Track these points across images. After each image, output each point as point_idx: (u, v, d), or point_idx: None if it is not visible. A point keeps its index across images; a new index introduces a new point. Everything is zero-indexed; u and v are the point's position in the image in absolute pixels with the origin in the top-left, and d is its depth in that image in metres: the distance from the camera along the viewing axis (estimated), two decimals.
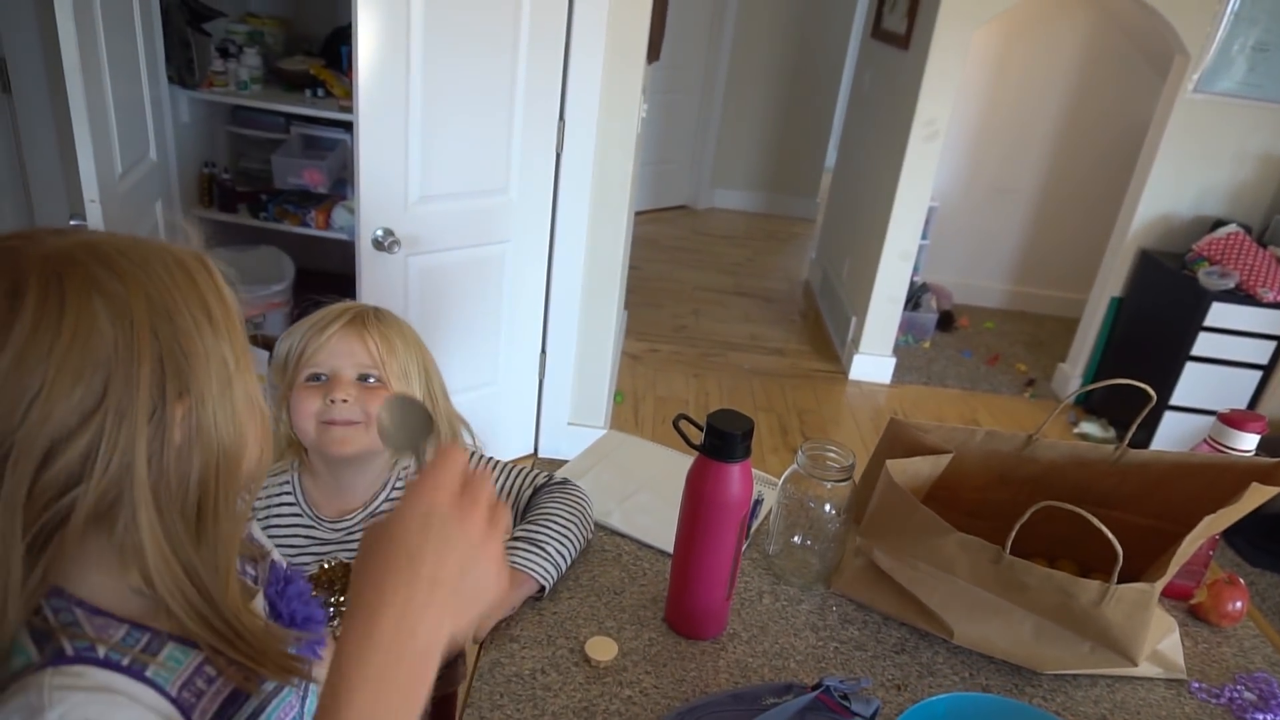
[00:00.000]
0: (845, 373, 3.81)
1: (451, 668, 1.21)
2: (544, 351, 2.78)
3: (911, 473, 0.97)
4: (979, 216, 4.63)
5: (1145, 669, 1.01)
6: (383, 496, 1.13)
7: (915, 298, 4.22)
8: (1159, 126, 3.40)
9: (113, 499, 0.53)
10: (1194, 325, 3.19)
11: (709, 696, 0.91)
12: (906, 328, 4.12)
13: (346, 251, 2.41)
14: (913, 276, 3.99)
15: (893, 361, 3.78)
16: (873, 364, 3.76)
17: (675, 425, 0.95)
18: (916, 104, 3.34)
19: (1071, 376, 3.82)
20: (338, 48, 3.12)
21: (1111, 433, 3.52)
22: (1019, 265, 4.74)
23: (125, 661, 0.56)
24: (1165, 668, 1.02)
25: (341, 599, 1.04)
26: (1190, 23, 3.16)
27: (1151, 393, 1.00)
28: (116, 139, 2.21)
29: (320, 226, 3.03)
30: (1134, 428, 1.04)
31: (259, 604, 0.71)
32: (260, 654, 0.61)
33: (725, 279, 4.86)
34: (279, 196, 3.06)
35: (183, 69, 2.78)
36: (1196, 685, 1.03)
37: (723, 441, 0.90)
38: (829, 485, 1.05)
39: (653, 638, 1.00)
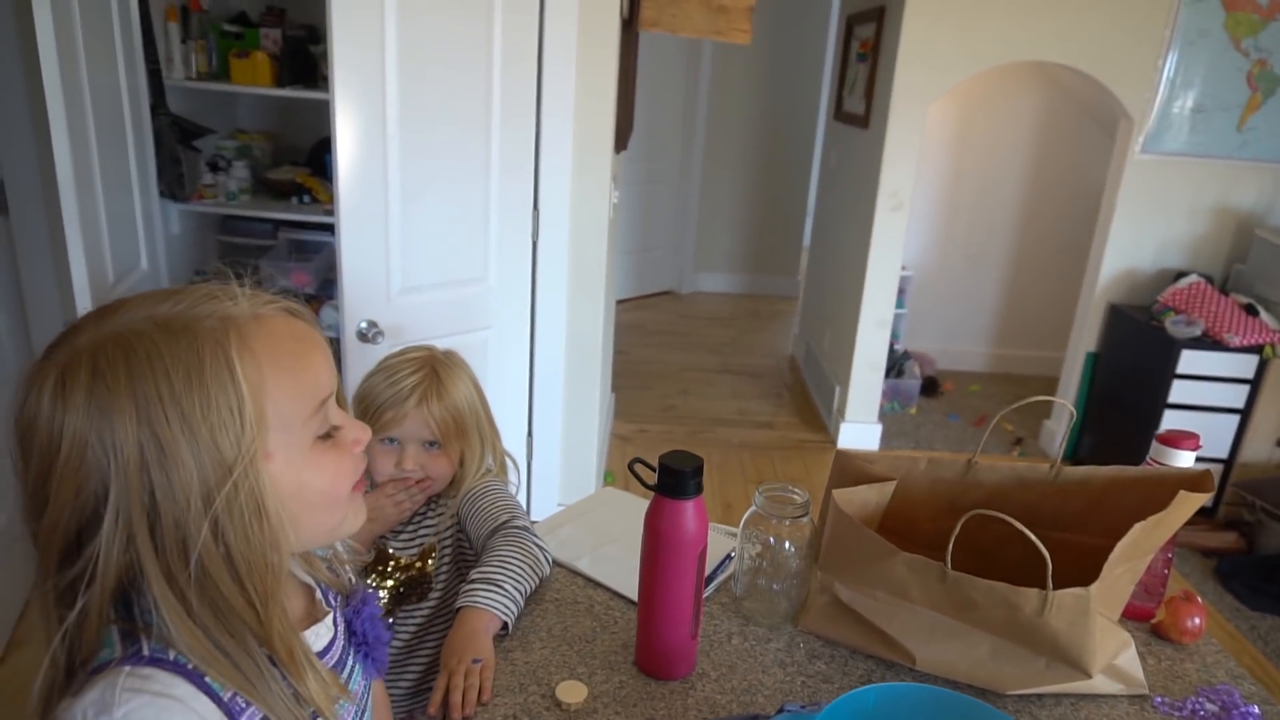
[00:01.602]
0: (833, 441, 3.85)
1: None
2: (530, 434, 2.83)
3: (859, 501, 1.02)
4: (954, 283, 4.75)
5: (1106, 685, 1.03)
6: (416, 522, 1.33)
7: (898, 365, 4.29)
8: (1113, 187, 3.54)
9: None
10: (1168, 373, 3.26)
11: None
12: (891, 395, 4.19)
13: (335, 349, 2.49)
14: (894, 345, 4.08)
15: (879, 428, 3.82)
16: (860, 431, 3.81)
17: (630, 468, 1.00)
18: (879, 177, 3.49)
19: (1057, 433, 3.86)
20: (322, 157, 3.27)
21: None
22: (997, 328, 4.83)
23: (190, 665, 0.60)
24: (1125, 683, 1.04)
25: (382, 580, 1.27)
26: (1130, 90, 3.33)
27: (1072, 409, 1.06)
28: (109, 249, 2.31)
29: None
30: (1062, 443, 1.09)
31: (327, 624, 0.76)
32: (300, 683, 0.65)
33: (711, 358, 4.94)
34: None
35: (173, 184, 2.92)
36: (1159, 700, 1.05)
37: (674, 480, 0.95)
38: (787, 523, 1.09)
39: (623, 680, 1.03)
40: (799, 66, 5.77)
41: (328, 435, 0.67)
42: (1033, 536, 0.86)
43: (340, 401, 0.70)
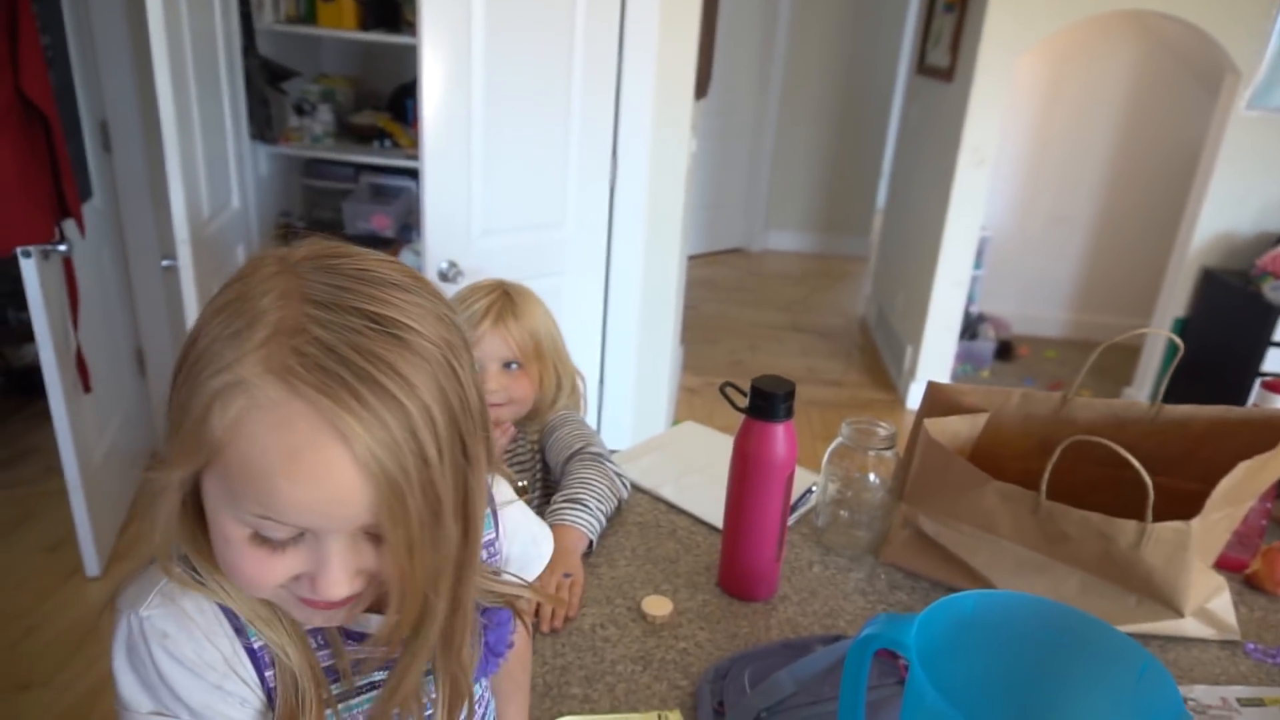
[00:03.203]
0: (903, 401, 3.80)
1: None
2: (601, 381, 2.86)
3: (950, 432, 1.01)
4: (1035, 246, 4.61)
5: (1197, 628, 1.02)
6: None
7: (972, 328, 4.20)
8: (1214, 145, 3.38)
9: None
10: (1262, 341, 3.13)
11: (761, 645, 0.95)
12: (964, 357, 4.11)
13: None
14: (969, 307, 3.98)
15: None
16: None
17: (722, 390, 1.01)
18: (962, 132, 3.39)
19: (1140, 399, 3.74)
20: (403, 102, 3.32)
21: None
22: (1078, 293, 4.69)
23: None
24: (1217, 628, 1.02)
25: None
26: (1239, 41, 3.16)
27: (1177, 340, 1.03)
28: (205, 187, 2.39)
29: None
30: (1167, 380, 1.07)
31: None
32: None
33: (781, 316, 4.91)
34: (349, 241, 3.24)
35: (262, 125, 2.99)
36: (1251, 646, 1.03)
37: (766, 402, 0.96)
38: (872, 455, 1.10)
39: (706, 599, 1.05)
40: (879, 19, 5.61)
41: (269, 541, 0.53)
42: (1135, 461, 0.85)
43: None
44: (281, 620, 0.59)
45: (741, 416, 0.99)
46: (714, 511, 1.20)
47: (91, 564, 2.34)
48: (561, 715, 0.86)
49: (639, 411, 2.92)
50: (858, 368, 4.22)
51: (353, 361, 0.48)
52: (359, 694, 0.65)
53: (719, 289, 5.28)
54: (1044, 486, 0.91)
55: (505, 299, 1.30)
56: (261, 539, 0.52)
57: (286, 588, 0.55)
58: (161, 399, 2.92)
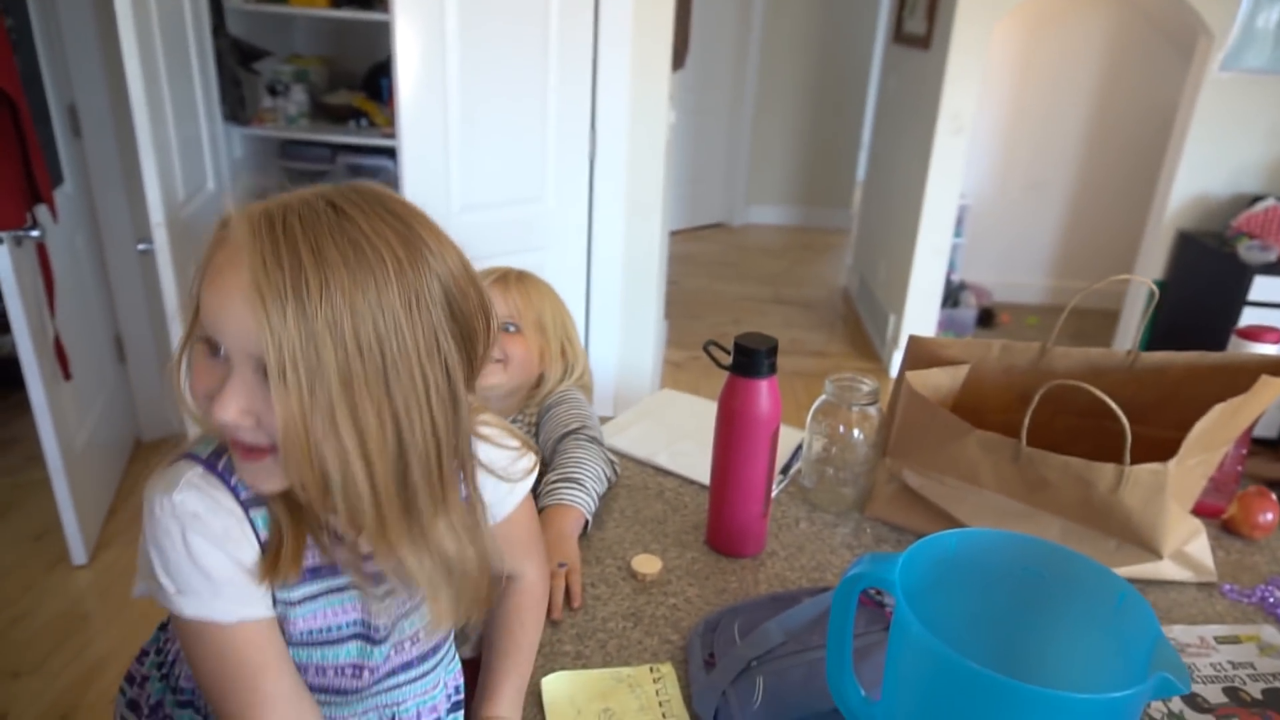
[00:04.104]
0: (887, 370, 3.83)
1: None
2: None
3: (932, 385, 1.03)
4: (1014, 213, 4.64)
5: (1175, 571, 1.04)
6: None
7: (954, 296, 4.23)
8: (1188, 107, 3.40)
9: None
10: (1238, 301, 3.16)
11: (750, 599, 0.96)
12: (946, 325, 4.14)
13: None
14: (950, 275, 4.01)
15: None
16: None
17: (705, 349, 1.02)
18: (940, 100, 3.39)
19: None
20: (378, 81, 3.28)
21: None
22: (1057, 259, 4.72)
23: (243, 496, 0.67)
24: (1194, 570, 1.04)
25: None
26: (1211, 4, 3.18)
27: (1154, 286, 1.04)
28: (179, 170, 2.36)
29: None
30: (1143, 323, 1.08)
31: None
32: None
33: (764, 289, 4.92)
34: None
35: (235, 106, 2.96)
36: (1228, 587, 1.05)
37: (749, 359, 0.97)
38: (855, 411, 1.11)
39: (695, 556, 1.06)
40: None
41: (208, 343, 0.62)
42: (1111, 402, 0.86)
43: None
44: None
45: (725, 376, 1.00)
46: (704, 472, 1.21)
47: (78, 552, 2.32)
48: (554, 671, 0.87)
49: (622, 386, 2.92)
50: (841, 338, 4.24)
51: (296, 234, 0.58)
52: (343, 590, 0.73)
53: (701, 264, 5.28)
54: (1024, 434, 0.93)
55: (513, 271, 1.32)
56: (203, 345, 0.62)
57: (210, 413, 0.62)
58: (142, 385, 2.91)
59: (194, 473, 0.66)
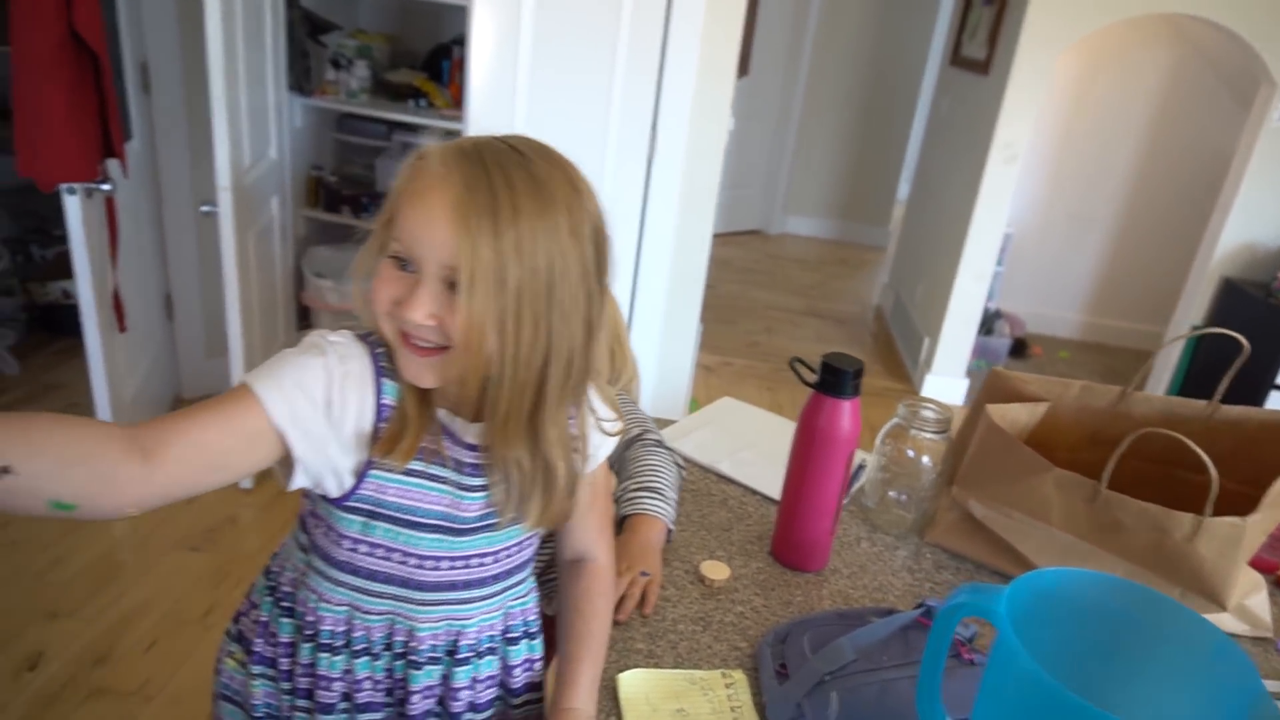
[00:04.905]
0: (916, 391, 3.83)
1: None
2: None
3: (1010, 419, 1.04)
4: (1055, 245, 4.63)
5: (1234, 624, 1.05)
6: None
7: (988, 324, 4.23)
8: (1244, 154, 3.39)
9: None
10: (1278, 352, 3.16)
11: (816, 614, 0.98)
12: (979, 352, 4.13)
13: None
14: (985, 303, 4.00)
15: (965, 383, 3.79)
16: (945, 384, 3.78)
17: (791, 365, 1.03)
18: (995, 127, 3.39)
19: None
20: (439, 62, 3.31)
21: None
22: (1095, 296, 4.71)
23: (386, 365, 0.75)
24: (1252, 624, 1.05)
25: None
26: (1277, 52, 3.16)
27: (1244, 341, 1.05)
28: (246, 136, 2.40)
29: None
30: (1226, 382, 1.09)
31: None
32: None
33: (797, 300, 4.93)
34: (379, 199, 3.24)
35: (301, 77, 2.99)
36: None
37: (836, 378, 0.98)
38: (927, 436, 1.12)
39: (760, 567, 1.08)
40: (911, 7, 5.58)
41: (397, 259, 0.71)
42: (1205, 457, 0.87)
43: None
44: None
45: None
46: (768, 484, 1.23)
47: None
48: (627, 669, 0.89)
49: (660, 389, 2.94)
50: (873, 356, 4.24)
51: (492, 168, 0.68)
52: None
53: (736, 269, 5.29)
54: (1106, 476, 0.94)
55: None
56: (394, 260, 0.71)
57: (393, 316, 0.71)
58: (187, 343, 2.94)
59: (353, 334, 0.77)
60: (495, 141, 0.72)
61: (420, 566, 0.80)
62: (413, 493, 0.77)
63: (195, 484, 0.66)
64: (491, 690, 0.89)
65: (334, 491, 0.76)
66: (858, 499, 1.25)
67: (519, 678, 0.91)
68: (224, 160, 2.21)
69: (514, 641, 0.90)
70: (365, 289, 0.75)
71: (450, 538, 0.80)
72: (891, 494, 1.19)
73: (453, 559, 0.81)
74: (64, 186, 2.04)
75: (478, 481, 0.79)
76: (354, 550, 0.79)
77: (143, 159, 2.61)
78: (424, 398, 0.76)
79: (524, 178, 0.68)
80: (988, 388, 1.11)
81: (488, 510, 0.81)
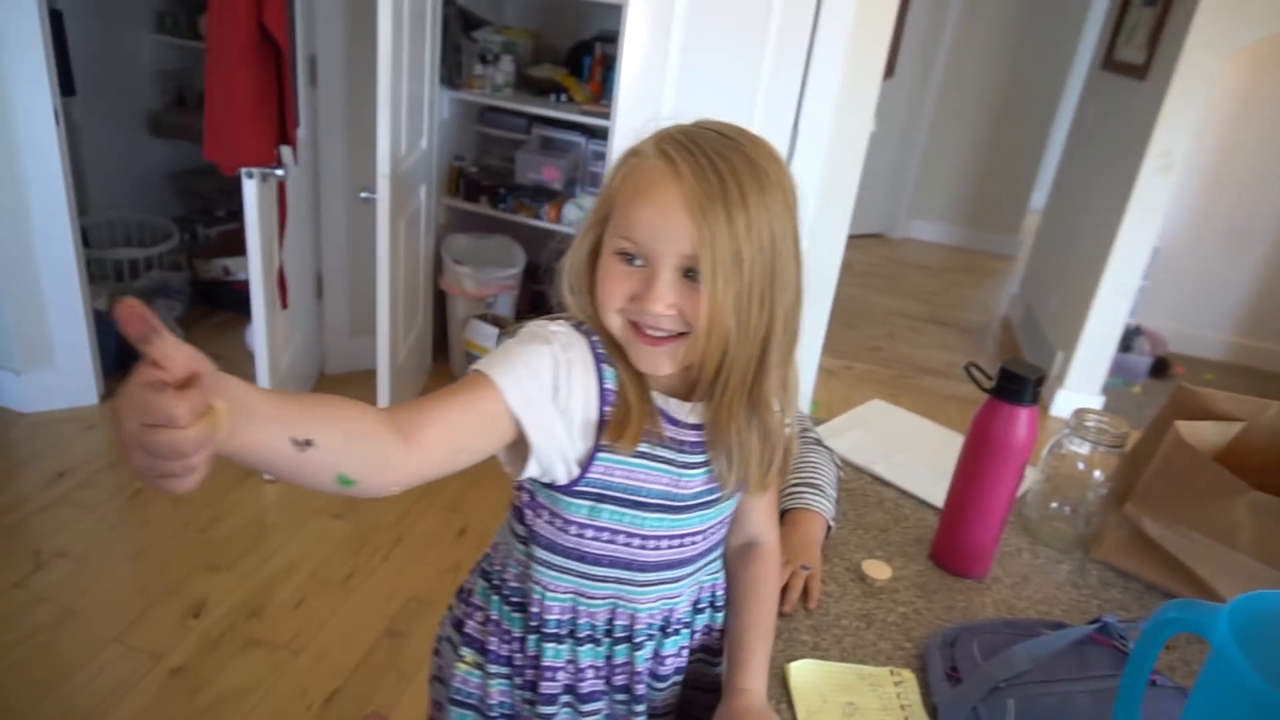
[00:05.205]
0: (1046, 407, 3.69)
1: None
2: None
3: (1200, 437, 1.00)
4: (1206, 261, 4.37)
5: None
6: None
7: (1127, 340, 4.03)
8: None
9: None
10: None
11: (983, 621, 0.97)
12: (1116, 369, 3.94)
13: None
14: (1126, 319, 3.82)
15: (1101, 400, 3.63)
16: (1078, 401, 3.63)
17: (967, 370, 1.03)
18: (1151, 135, 3.23)
19: None
20: (580, 58, 3.38)
21: None
22: (1247, 316, 4.42)
23: (604, 352, 0.78)
24: None
25: None
26: None
27: None
28: (405, 126, 2.51)
29: (551, 220, 3.28)
30: None
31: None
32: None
33: (920, 307, 4.81)
34: (516, 191, 3.34)
35: (452, 71, 3.11)
36: None
37: (1016, 385, 0.97)
38: (1100, 450, 1.09)
39: (920, 570, 1.07)
40: (1058, 10, 5.36)
41: (624, 255, 0.74)
42: None
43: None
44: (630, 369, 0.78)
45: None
46: (923, 488, 1.22)
47: None
48: (795, 659, 0.90)
49: None
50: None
51: (713, 156, 0.70)
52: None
53: (858, 273, 5.20)
54: None
55: None
56: (622, 256, 0.73)
57: (626, 311, 0.74)
58: (333, 322, 3.11)
59: (569, 324, 0.79)
60: (702, 130, 0.74)
61: (643, 547, 0.82)
62: (637, 474, 0.79)
63: (445, 465, 0.69)
64: (683, 660, 0.92)
65: (563, 479, 0.78)
66: (1018, 509, 1.22)
67: (698, 642, 0.94)
68: (385, 149, 2.33)
69: (700, 611, 0.92)
70: (573, 285, 0.80)
71: (671, 516, 0.82)
72: (1053, 505, 1.16)
73: (670, 538, 0.83)
74: (244, 170, 2.19)
75: (696, 459, 0.81)
76: (580, 536, 0.81)
77: (306, 147, 2.77)
78: (642, 382, 0.78)
79: (742, 161, 0.71)
80: (1174, 403, 1.07)
81: (704, 487, 0.83)
